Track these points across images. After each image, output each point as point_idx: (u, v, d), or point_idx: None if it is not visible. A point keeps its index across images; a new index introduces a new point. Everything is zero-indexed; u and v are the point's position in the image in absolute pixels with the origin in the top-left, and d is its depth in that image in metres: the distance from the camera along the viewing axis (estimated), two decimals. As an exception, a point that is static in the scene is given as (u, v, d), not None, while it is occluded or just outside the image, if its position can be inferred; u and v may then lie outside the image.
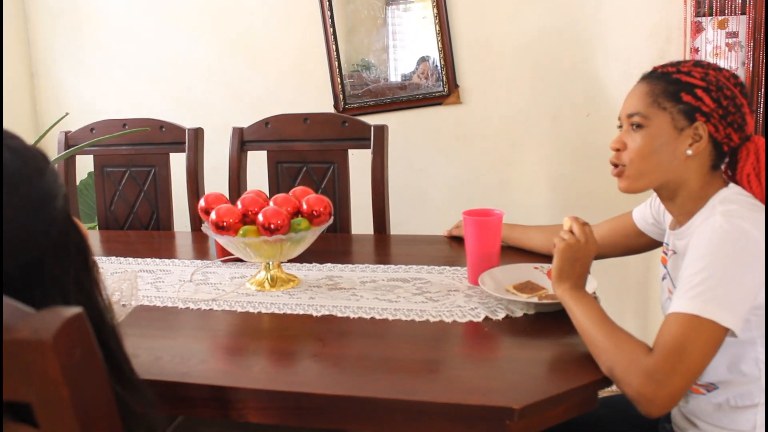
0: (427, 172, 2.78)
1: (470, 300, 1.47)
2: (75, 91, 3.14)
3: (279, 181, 2.17)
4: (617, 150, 1.29)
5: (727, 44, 2.34)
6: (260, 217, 1.51)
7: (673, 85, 1.24)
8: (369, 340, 1.33)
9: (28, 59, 3.18)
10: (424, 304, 1.46)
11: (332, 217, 1.61)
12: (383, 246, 1.99)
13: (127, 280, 1.32)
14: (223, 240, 1.55)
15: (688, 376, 1.08)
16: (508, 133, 2.68)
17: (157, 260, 1.86)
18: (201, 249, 1.98)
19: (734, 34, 2.33)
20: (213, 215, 1.55)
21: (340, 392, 1.12)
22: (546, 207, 2.69)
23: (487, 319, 1.37)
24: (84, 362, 0.58)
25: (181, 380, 1.19)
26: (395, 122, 2.62)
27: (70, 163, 2.31)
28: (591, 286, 1.36)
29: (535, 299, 1.41)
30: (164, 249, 1.99)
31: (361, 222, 2.21)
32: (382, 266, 1.72)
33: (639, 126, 1.26)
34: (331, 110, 2.81)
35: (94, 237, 2.21)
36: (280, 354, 1.31)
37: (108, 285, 1.25)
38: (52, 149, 2.42)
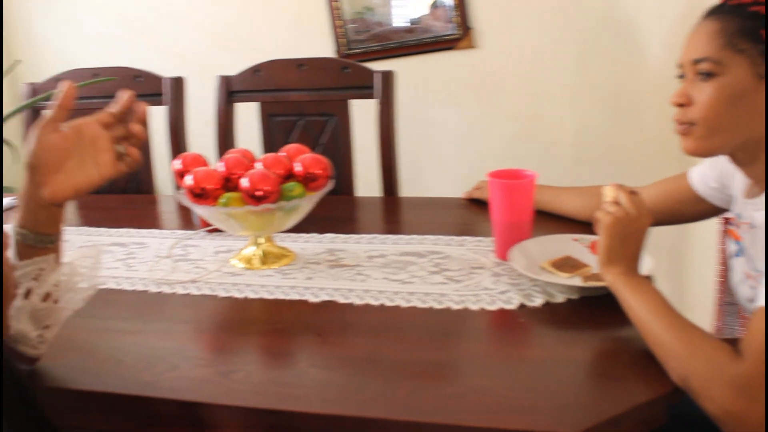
0: (438, 125, 2.51)
1: (499, 280, 1.22)
2: (50, 41, 2.86)
3: (273, 137, 1.91)
4: (680, 105, 1.03)
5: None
6: (244, 183, 1.25)
7: (752, 21, 0.97)
8: (377, 335, 1.08)
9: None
10: (443, 286, 1.21)
11: (331, 181, 1.35)
12: (393, 211, 1.74)
13: (90, 257, 1.06)
14: (202, 210, 1.30)
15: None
16: (528, 80, 2.40)
17: (133, 230, 1.61)
18: (186, 216, 1.72)
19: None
20: (189, 180, 1.29)
21: (341, 412, 0.88)
22: (571, 163, 2.42)
23: (521, 306, 1.12)
24: None
25: (145, 393, 0.95)
26: (403, 69, 2.32)
27: (35, 117, 2.04)
28: (646, 266, 1.11)
29: (578, 280, 1.16)
30: (142, 217, 1.74)
31: (367, 182, 1.95)
32: (392, 236, 1.47)
33: (709, 74, 0.98)
34: (332, 56, 2.53)
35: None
36: (269, 355, 1.07)
37: (67, 262, 1.00)
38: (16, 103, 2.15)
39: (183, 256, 1.44)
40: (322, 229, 1.52)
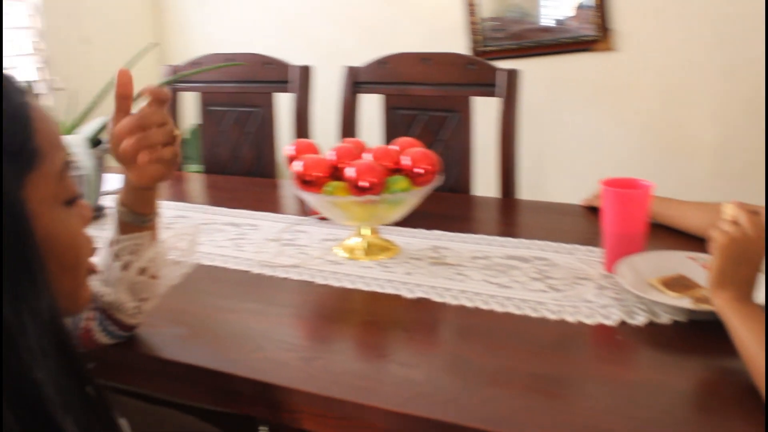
0: (566, 128, 2.43)
1: (602, 294, 1.16)
2: (199, 27, 3.00)
3: (394, 130, 1.91)
4: None
5: None
6: (349, 172, 1.25)
7: None
8: (466, 337, 1.05)
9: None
10: (543, 294, 1.16)
11: (439, 177, 1.33)
12: (507, 213, 1.69)
13: (188, 235, 1.10)
14: (308, 196, 1.31)
15: None
16: (669, 87, 2.27)
17: (248, 212, 1.66)
18: (301, 203, 1.75)
19: None
20: (298, 166, 1.31)
21: (412, 411, 0.86)
22: (709, 177, 2.27)
23: (622, 323, 1.06)
24: None
25: (227, 370, 0.97)
26: (536, 69, 2.28)
27: (174, 98, 2.14)
28: (760, 294, 1.02)
29: (688, 302, 1.08)
30: (261, 200, 1.78)
31: (485, 182, 1.91)
32: (500, 238, 1.42)
33: None
34: (467, 53, 2.50)
35: (196, 181, 2.04)
36: (353, 346, 1.06)
37: (164, 239, 1.03)
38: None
39: (290, 241, 1.46)
40: (430, 225, 1.50)
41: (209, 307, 1.18)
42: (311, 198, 1.31)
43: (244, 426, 1.50)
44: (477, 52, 2.49)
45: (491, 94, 1.78)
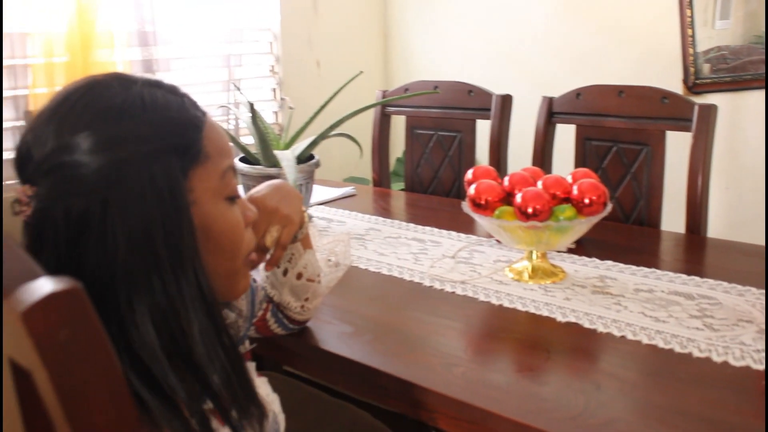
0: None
1: (761, 338, 1.14)
2: (422, 53, 3.20)
3: (586, 160, 1.94)
4: None
5: None
6: (518, 198, 1.33)
7: None
8: (603, 364, 1.10)
9: (383, 21, 3.30)
10: (696, 332, 1.17)
11: (607, 207, 1.36)
12: (687, 249, 1.67)
13: (341, 242, 1.26)
14: (479, 219, 1.41)
15: None
16: None
17: (435, 230, 1.78)
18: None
19: None
20: (472, 190, 1.41)
21: (532, 423, 0.92)
22: None
23: (770, 369, 1.04)
24: (74, 345, 0.50)
25: (378, 367, 1.10)
26: (752, 103, 2.19)
27: (384, 122, 2.33)
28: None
29: None
30: (450, 219, 1.89)
31: (675, 218, 1.88)
32: (670, 274, 1.42)
33: None
34: (679, 85, 2.46)
35: (397, 198, 2.21)
36: (492, 358, 1.14)
37: (321, 246, 1.19)
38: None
39: (465, 259, 1.56)
40: (603, 256, 1.53)
41: (377, 311, 1.32)
42: (482, 220, 1.40)
43: (416, 430, 1.62)
44: (690, 85, 2.44)
45: (686, 129, 1.76)
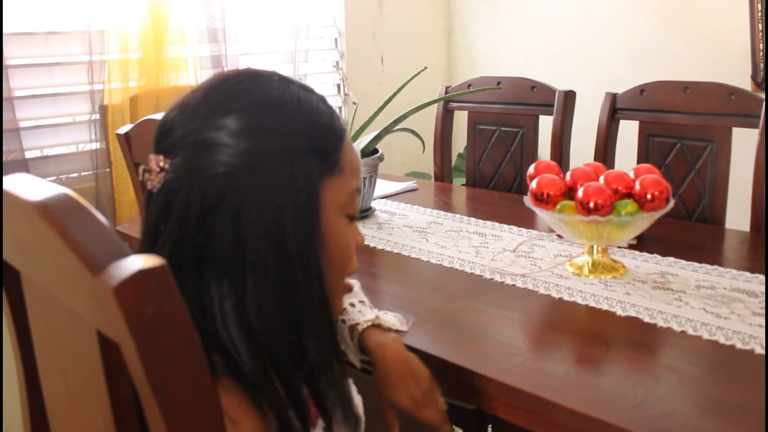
0: None
1: (825, 336, 1.13)
2: (486, 49, 3.21)
3: (649, 157, 1.93)
4: None
5: None
6: (579, 194, 1.35)
7: None
8: (663, 358, 1.10)
9: (447, 17, 3.32)
10: (759, 330, 1.16)
11: (669, 203, 1.36)
12: (751, 247, 1.65)
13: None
14: (541, 213, 1.42)
15: None
16: None
17: (497, 224, 1.80)
18: (548, 219, 1.86)
19: None
20: (534, 184, 1.43)
21: (588, 411, 0.94)
22: None
23: (832, 366, 1.04)
24: (160, 319, 0.54)
25: (439, 355, 1.13)
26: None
27: (446, 117, 2.36)
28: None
29: None
30: (512, 214, 1.90)
31: (740, 216, 1.86)
32: (733, 271, 1.42)
33: None
34: (747, 81, 2.42)
35: (459, 192, 2.23)
36: (551, 349, 1.16)
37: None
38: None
39: (526, 253, 1.58)
40: (665, 252, 1.53)
41: (438, 301, 1.35)
42: (543, 214, 1.42)
43: (475, 419, 1.65)
44: (759, 81, 2.39)
45: (753, 126, 1.74)
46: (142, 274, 0.53)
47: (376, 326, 1.10)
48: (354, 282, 1.21)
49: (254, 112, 0.76)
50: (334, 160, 0.81)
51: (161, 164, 0.74)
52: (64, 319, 0.70)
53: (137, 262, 0.55)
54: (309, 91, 0.82)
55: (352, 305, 1.13)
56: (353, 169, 0.84)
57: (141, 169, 0.76)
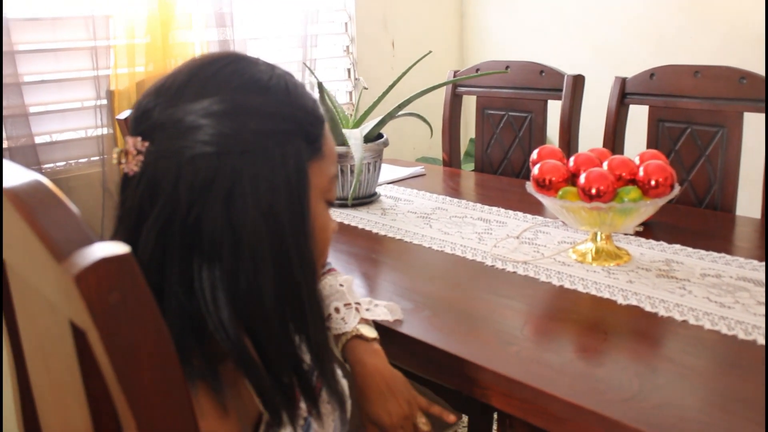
0: None
1: (831, 326, 1.10)
2: (497, 33, 3.17)
3: (658, 142, 1.90)
4: None
5: None
6: (581, 179, 1.32)
7: None
8: (662, 349, 1.08)
9: (459, 1, 3.28)
10: (762, 319, 1.13)
11: (674, 190, 1.34)
12: (763, 235, 1.61)
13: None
14: (543, 199, 1.40)
15: None
16: None
17: (502, 210, 1.78)
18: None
19: None
20: (536, 170, 1.40)
21: (582, 403, 0.93)
22: None
23: (836, 357, 1.01)
24: (124, 308, 0.53)
25: (434, 343, 1.11)
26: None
27: (455, 102, 2.33)
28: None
29: None
30: (518, 200, 1.88)
31: (751, 203, 1.82)
32: (740, 259, 1.39)
33: None
34: (762, 66, 2.36)
35: (466, 178, 2.21)
36: (549, 339, 1.14)
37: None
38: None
39: (530, 240, 1.55)
40: (672, 240, 1.50)
41: (437, 288, 1.33)
42: (545, 200, 1.39)
43: (481, 411, 1.64)
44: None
45: (760, 110, 1.70)
46: (104, 262, 0.52)
47: (359, 337, 1.09)
48: (348, 278, 1.20)
49: (245, 93, 0.75)
50: (318, 145, 0.81)
51: (139, 147, 0.73)
52: (42, 308, 0.69)
53: (101, 250, 0.54)
54: (292, 76, 0.82)
55: (337, 310, 1.12)
56: (333, 156, 0.85)
57: (115, 152, 0.74)
